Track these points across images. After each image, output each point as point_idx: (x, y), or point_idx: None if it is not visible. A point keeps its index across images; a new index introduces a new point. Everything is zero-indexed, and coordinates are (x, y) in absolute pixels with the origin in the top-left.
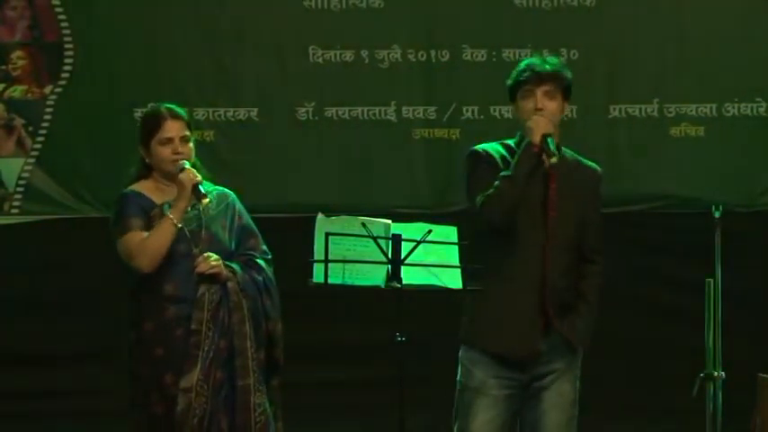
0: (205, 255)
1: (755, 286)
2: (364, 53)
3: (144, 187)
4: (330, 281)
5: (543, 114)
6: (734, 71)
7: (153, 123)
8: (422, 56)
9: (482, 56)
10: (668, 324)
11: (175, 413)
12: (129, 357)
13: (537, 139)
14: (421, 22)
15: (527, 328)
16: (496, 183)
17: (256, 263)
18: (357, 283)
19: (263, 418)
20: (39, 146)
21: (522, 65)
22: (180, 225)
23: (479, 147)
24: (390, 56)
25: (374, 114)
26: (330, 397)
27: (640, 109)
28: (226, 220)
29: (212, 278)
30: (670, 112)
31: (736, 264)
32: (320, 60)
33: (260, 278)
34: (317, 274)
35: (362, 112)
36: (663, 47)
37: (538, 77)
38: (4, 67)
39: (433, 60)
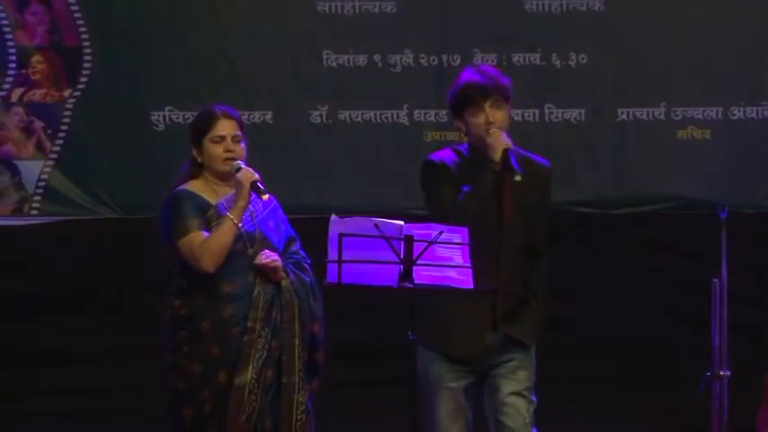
0: (268, 252)
1: (761, 286)
2: (377, 57)
3: (195, 187)
4: (344, 281)
5: (496, 127)
6: (740, 75)
7: (206, 122)
8: (433, 60)
9: (493, 60)
10: (675, 323)
11: (227, 410)
12: (177, 355)
13: (498, 156)
14: (432, 27)
15: (475, 331)
16: (460, 198)
17: (304, 265)
18: (370, 282)
19: (303, 417)
20: (57, 148)
21: (463, 82)
22: (240, 225)
23: (433, 155)
24: (403, 60)
25: (387, 117)
26: (343, 394)
27: (648, 112)
28: (273, 222)
29: (267, 277)
30: (677, 116)
31: (741, 264)
32: (334, 64)
33: (308, 280)
34: (331, 275)
35: (375, 115)
36: (670, 51)
37: (483, 93)
38: (23, 70)
39: (445, 64)
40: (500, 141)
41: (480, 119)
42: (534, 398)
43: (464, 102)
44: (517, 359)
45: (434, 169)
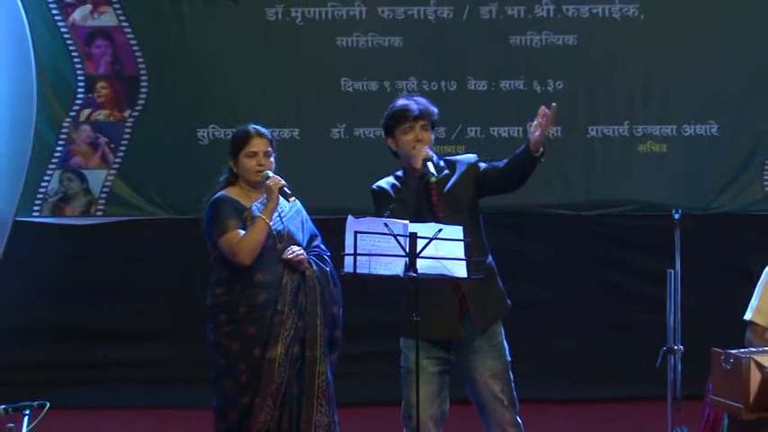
0: (294, 247)
1: (708, 276)
2: (386, 83)
3: (232, 192)
4: (358, 271)
5: (422, 143)
6: (691, 99)
7: (242, 139)
8: (434, 85)
9: (483, 86)
10: (637, 307)
11: (260, 380)
12: (218, 334)
13: (419, 165)
14: (433, 58)
15: (446, 315)
16: (392, 206)
17: (324, 257)
18: (380, 272)
19: (324, 385)
20: (119, 160)
21: (398, 107)
22: (270, 224)
23: (375, 184)
24: (408, 85)
25: None
26: (357, 367)
27: (614, 129)
28: (298, 221)
29: (294, 268)
30: (638, 132)
31: (692, 257)
32: (350, 89)
33: (328, 269)
34: (348, 265)
35: None
36: (632, 78)
37: (415, 116)
38: (90, 95)
39: (443, 89)
40: (422, 153)
41: (410, 136)
42: (511, 377)
43: (397, 122)
44: (483, 345)
45: (374, 196)
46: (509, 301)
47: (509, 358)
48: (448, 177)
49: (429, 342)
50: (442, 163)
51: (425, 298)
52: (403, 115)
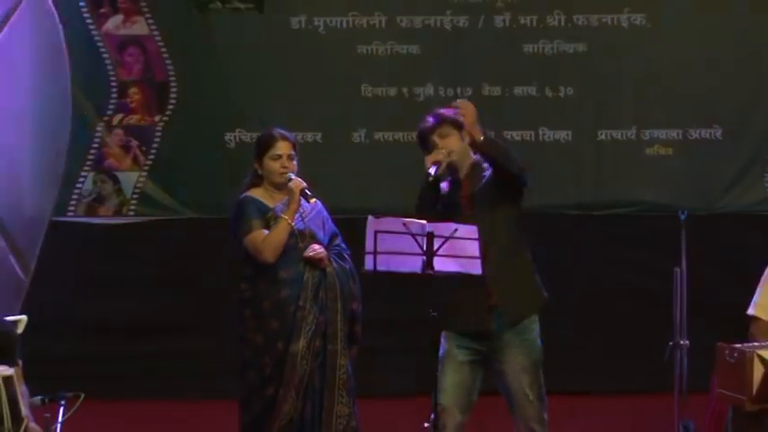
0: (315, 246)
1: (713, 273)
2: (405, 90)
3: (257, 193)
4: (378, 268)
5: (442, 150)
6: (696, 104)
7: (267, 143)
8: (450, 92)
9: (497, 92)
10: (645, 303)
11: (284, 372)
12: (244, 328)
13: (427, 167)
14: (449, 66)
15: (475, 309)
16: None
17: (344, 255)
18: (399, 270)
19: (344, 377)
20: (150, 162)
21: (418, 130)
22: (293, 224)
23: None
24: (425, 92)
25: (412, 138)
26: (378, 358)
27: (622, 133)
28: (319, 221)
29: (315, 265)
30: (645, 136)
31: (697, 256)
32: (370, 95)
33: (347, 267)
34: (368, 263)
35: (403, 135)
36: (640, 84)
37: (428, 131)
38: (123, 100)
39: (459, 95)
40: (430, 158)
41: (434, 147)
42: (541, 373)
43: (424, 141)
44: (514, 339)
45: (420, 195)
46: (545, 295)
47: (540, 355)
48: (482, 177)
49: (461, 333)
50: (485, 164)
51: (456, 293)
52: (424, 135)
